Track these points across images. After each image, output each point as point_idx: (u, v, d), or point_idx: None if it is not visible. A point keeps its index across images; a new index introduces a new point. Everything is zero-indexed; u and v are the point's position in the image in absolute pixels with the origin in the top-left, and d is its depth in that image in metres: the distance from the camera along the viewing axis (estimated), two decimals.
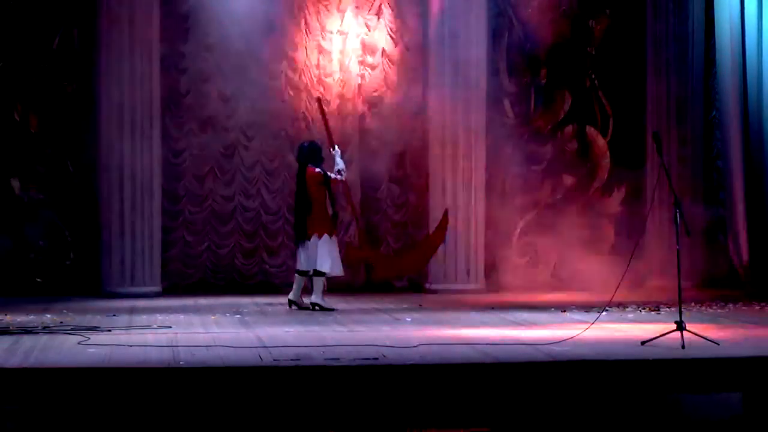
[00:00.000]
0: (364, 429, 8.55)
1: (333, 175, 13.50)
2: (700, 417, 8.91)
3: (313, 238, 13.38)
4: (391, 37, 16.29)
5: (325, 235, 13.40)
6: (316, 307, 13.37)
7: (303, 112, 16.12)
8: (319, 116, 14.56)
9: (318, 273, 13.42)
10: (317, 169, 13.45)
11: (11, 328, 11.38)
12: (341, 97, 16.21)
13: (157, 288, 15.51)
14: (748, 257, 15.73)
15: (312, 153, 13.58)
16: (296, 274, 13.57)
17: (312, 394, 8.66)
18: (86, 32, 15.61)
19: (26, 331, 11.14)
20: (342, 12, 16.22)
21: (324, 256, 13.37)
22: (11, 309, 13.30)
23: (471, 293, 15.59)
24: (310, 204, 13.40)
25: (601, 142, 16.80)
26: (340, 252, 13.64)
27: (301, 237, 13.48)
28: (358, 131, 16.17)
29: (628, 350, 9.84)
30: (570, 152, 16.75)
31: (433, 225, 16.02)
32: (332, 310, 13.39)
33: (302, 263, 13.48)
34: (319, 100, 14.80)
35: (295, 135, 15.99)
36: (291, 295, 13.56)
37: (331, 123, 14.56)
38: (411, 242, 16.13)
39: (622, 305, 13.55)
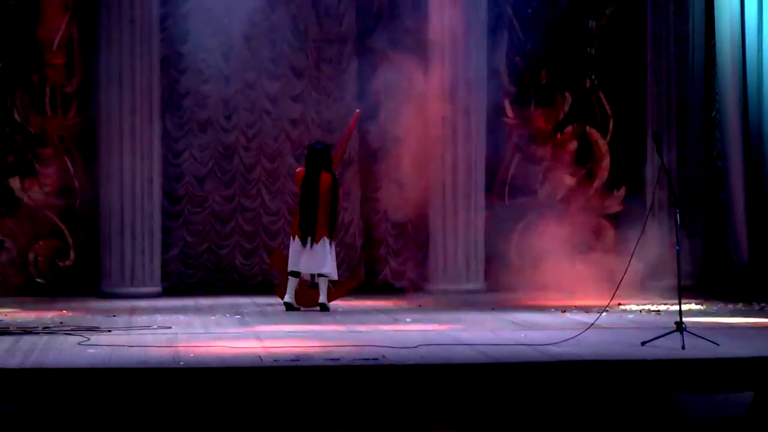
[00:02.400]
0: (365, 430, 8.55)
1: None
2: (700, 417, 8.90)
3: (321, 242, 13.37)
4: (390, 38, 16.28)
5: (329, 239, 13.41)
6: (325, 308, 13.38)
7: (304, 113, 16.13)
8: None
9: (323, 275, 13.43)
10: (330, 174, 13.49)
11: (11, 328, 11.37)
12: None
13: (157, 288, 15.51)
14: (748, 257, 15.72)
15: (326, 156, 13.56)
16: (290, 276, 13.51)
17: (312, 395, 8.66)
18: (86, 32, 15.62)
19: (26, 331, 11.14)
20: (342, 15, 16.22)
21: (332, 260, 13.41)
22: (11, 309, 13.30)
23: (471, 293, 15.59)
24: (321, 207, 13.39)
25: (601, 142, 16.81)
26: None
27: (310, 239, 13.40)
28: (358, 131, 16.16)
29: (628, 350, 9.84)
30: (570, 152, 16.75)
31: (433, 226, 16.04)
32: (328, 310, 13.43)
33: (300, 265, 13.41)
34: (357, 115, 14.46)
35: (295, 136, 16.00)
36: (287, 298, 13.49)
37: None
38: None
39: (622, 306, 13.55)
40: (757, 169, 15.64)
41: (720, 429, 8.65)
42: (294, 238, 13.51)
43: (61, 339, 10.59)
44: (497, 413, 8.75)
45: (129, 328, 11.60)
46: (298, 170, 13.72)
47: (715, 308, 13.67)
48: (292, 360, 9.21)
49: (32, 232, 15.64)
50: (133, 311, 13.36)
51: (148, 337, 10.77)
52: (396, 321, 12.43)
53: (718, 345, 9.94)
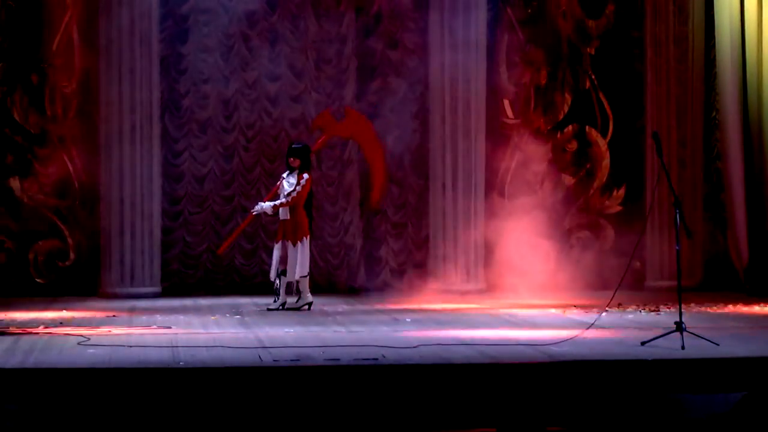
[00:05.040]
0: (365, 430, 8.55)
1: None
2: (700, 417, 8.90)
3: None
4: (390, 38, 16.28)
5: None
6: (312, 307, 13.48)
7: (304, 113, 16.12)
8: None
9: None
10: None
11: (11, 328, 11.38)
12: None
13: (157, 288, 15.50)
14: (748, 257, 15.73)
15: None
16: (306, 278, 13.58)
17: (312, 395, 8.66)
18: (86, 32, 15.61)
19: (26, 331, 11.14)
20: (342, 15, 16.22)
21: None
22: (11, 309, 13.30)
23: (471, 293, 15.58)
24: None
25: (601, 142, 16.80)
26: None
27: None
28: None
29: (628, 350, 9.84)
30: (570, 152, 16.75)
31: (433, 225, 16.04)
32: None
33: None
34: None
35: (295, 136, 15.98)
36: (311, 298, 13.56)
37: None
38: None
39: (621, 306, 13.55)
40: (757, 169, 15.64)
41: (720, 429, 8.65)
42: (304, 240, 13.45)
43: (61, 339, 10.59)
44: (497, 413, 8.75)
45: (129, 327, 11.60)
46: (309, 177, 13.57)
47: (715, 308, 13.66)
48: (292, 360, 9.21)
49: (32, 232, 15.64)
50: (132, 311, 13.37)
51: (148, 337, 10.77)
52: (396, 321, 12.43)
53: (718, 345, 9.94)
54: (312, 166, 13.54)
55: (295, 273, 13.36)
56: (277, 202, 13.41)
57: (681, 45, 16.44)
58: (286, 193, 13.37)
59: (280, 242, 13.49)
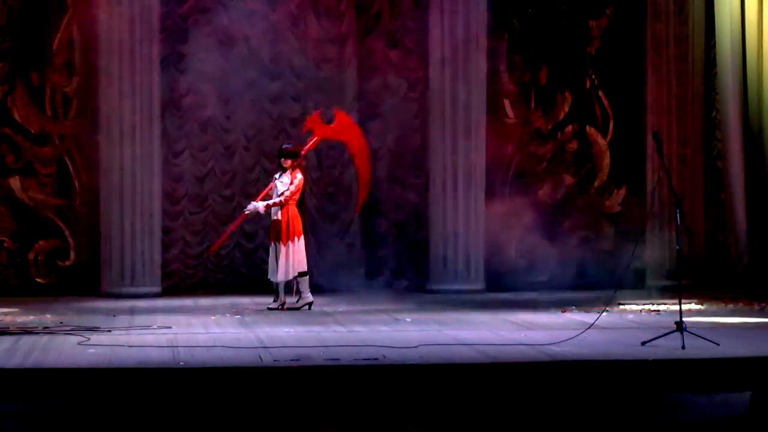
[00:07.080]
0: (365, 430, 8.55)
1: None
2: (700, 417, 8.91)
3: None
4: (390, 38, 16.28)
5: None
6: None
7: (304, 113, 16.12)
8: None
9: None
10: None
11: (11, 328, 11.38)
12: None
13: (157, 288, 15.50)
14: (748, 257, 15.73)
15: None
16: (306, 278, 13.61)
17: (312, 394, 8.66)
18: (86, 32, 15.61)
19: (26, 331, 11.14)
20: (342, 15, 16.22)
21: None
22: (11, 309, 13.30)
23: (471, 293, 15.59)
24: None
25: (601, 142, 16.80)
26: None
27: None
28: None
29: (628, 350, 9.84)
30: (570, 152, 16.75)
31: (433, 225, 16.03)
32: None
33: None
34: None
35: (296, 137, 15.98)
36: (311, 297, 13.59)
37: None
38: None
39: (621, 306, 13.55)
40: (757, 170, 15.65)
41: (719, 429, 8.65)
42: (296, 240, 13.45)
43: (61, 339, 10.60)
44: (497, 413, 8.75)
45: (129, 328, 11.60)
46: (301, 177, 13.60)
47: (715, 308, 13.67)
48: (292, 360, 9.21)
49: (32, 232, 15.64)
50: (133, 311, 13.37)
51: (148, 337, 10.78)
52: (396, 321, 12.43)
53: (718, 345, 9.94)
54: (304, 165, 13.55)
55: (282, 273, 13.31)
56: (270, 202, 13.42)
57: (681, 45, 16.44)
58: (279, 192, 13.38)
59: (272, 242, 13.52)
